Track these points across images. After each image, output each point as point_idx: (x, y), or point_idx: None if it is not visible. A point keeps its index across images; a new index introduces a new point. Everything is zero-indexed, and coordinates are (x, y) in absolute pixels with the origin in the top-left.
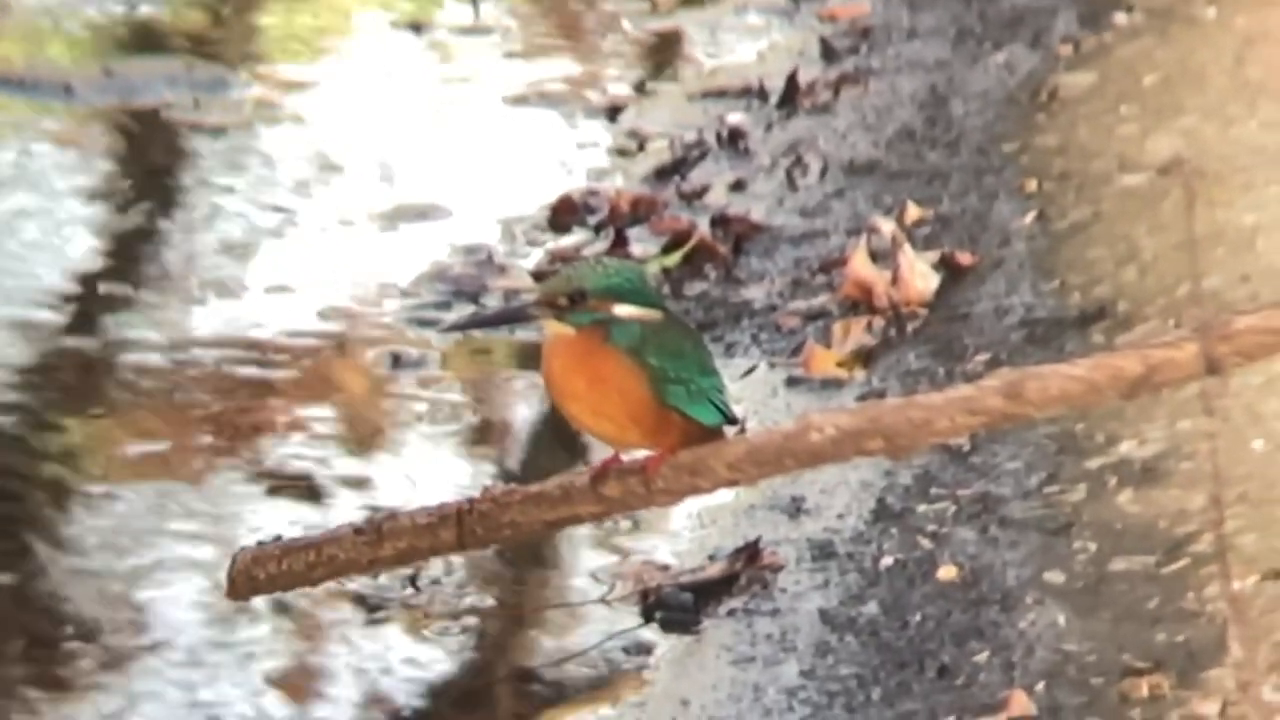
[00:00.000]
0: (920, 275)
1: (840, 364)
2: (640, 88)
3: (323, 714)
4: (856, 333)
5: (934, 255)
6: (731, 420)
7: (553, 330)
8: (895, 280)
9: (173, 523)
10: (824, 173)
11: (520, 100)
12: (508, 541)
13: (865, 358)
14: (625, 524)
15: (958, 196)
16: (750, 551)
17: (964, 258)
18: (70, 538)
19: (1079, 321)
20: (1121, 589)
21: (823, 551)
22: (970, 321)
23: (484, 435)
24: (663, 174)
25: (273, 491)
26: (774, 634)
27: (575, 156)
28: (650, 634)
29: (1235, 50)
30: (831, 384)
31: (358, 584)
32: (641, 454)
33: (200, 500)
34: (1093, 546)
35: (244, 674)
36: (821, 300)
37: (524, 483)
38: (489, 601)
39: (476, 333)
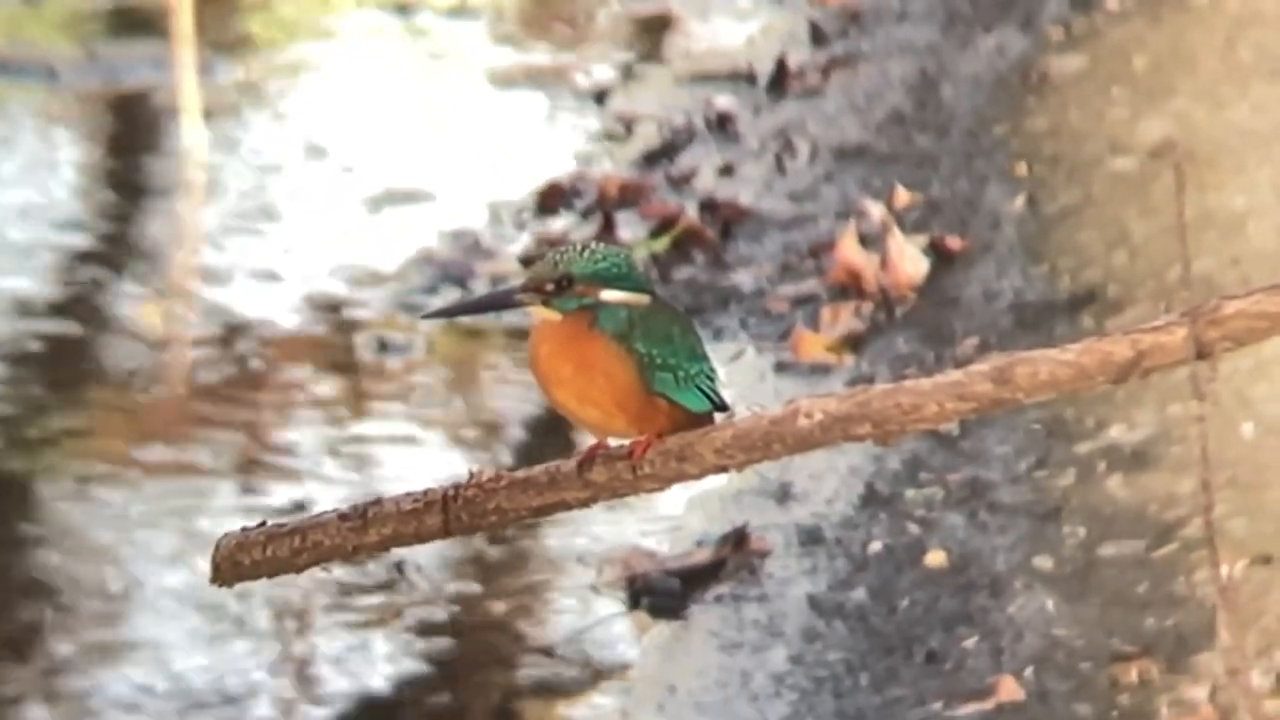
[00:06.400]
0: (909, 260)
1: (829, 349)
2: (628, 71)
3: (305, 702)
4: (845, 317)
5: (923, 240)
6: (721, 406)
7: (539, 315)
8: (884, 265)
9: (158, 509)
10: (813, 157)
11: (507, 83)
12: (494, 527)
13: (854, 342)
14: (612, 510)
15: (947, 181)
16: (738, 537)
17: (953, 242)
18: (55, 525)
19: (1069, 306)
20: (1110, 574)
21: (811, 537)
22: (959, 306)
23: (470, 420)
24: (651, 158)
25: (258, 477)
26: (761, 620)
27: (563, 140)
28: (637, 620)
29: (1226, 33)
30: (820, 369)
31: (341, 570)
32: (629, 439)
33: (185, 486)
34: (1082, 531)
35: (227, 661)
36: (810, 285)
37: (510, 468)
38: (474, 587)
39: (463, 318)
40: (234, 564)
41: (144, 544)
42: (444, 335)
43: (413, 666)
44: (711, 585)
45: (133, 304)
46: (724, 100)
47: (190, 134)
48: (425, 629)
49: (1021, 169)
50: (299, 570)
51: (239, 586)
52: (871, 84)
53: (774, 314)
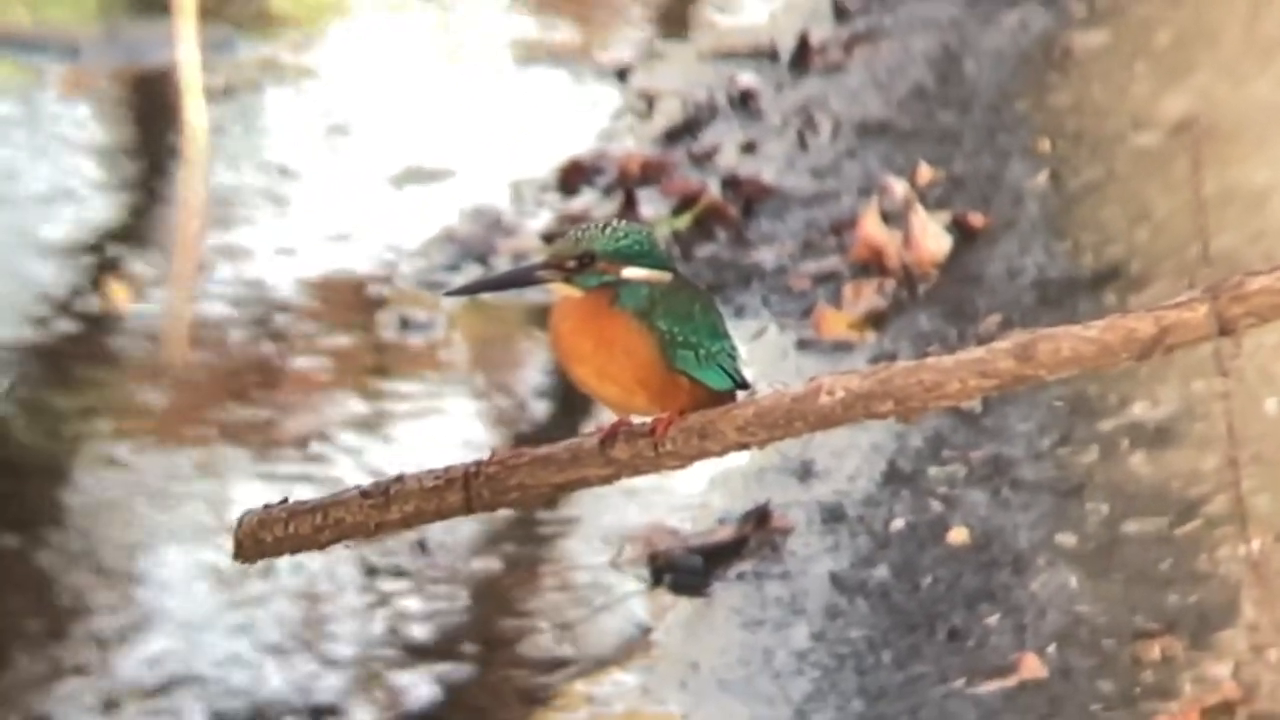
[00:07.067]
0: (932, 236)
1: (851, 326)
2: (650, 48)
3: (326, 677)
4: (868, 294)
5: (946, 216)
6: (742, 385)
7: (561, 293)
8: (907, 241)
9: (181, 487)
10: (835, 133)
11: (530, 60)
12: (515, 504)
13: (876, 320)
14: (634, 487)
15: (970, 157)
16: (760, 514)
17: (976, 219)
18: (79, 502)
19: (1091, 282)
20: (1134, 551)
21: (833, 514)
22: (982, 283)
23: (492, 398)
24: (673, 135)
25: (281, 454)
26: (784, 597)
27: (585, 118)
28: (660, 597)
29: (1249, 8)
30: (842, 346)
31: (365, 547)
32: (651, 417)
33: (209, 464)
34: (1105, 508)
35: (251, 637)
36: (832, 262)
37: (532, 445)
38: (496, 565)
39: (484, 295)
40: (256, 541)
41: (166, 522)
42: (466, 313)
43: (434, 644)
44: (734, 563)
45: (152, 281)
46: (746, 77)
47: (193, 111)
48: (447, 607)
49: (1044, 145)
50: (321, 547)
51: (261, 564)
52: (894, 60)
53: (796, 291)
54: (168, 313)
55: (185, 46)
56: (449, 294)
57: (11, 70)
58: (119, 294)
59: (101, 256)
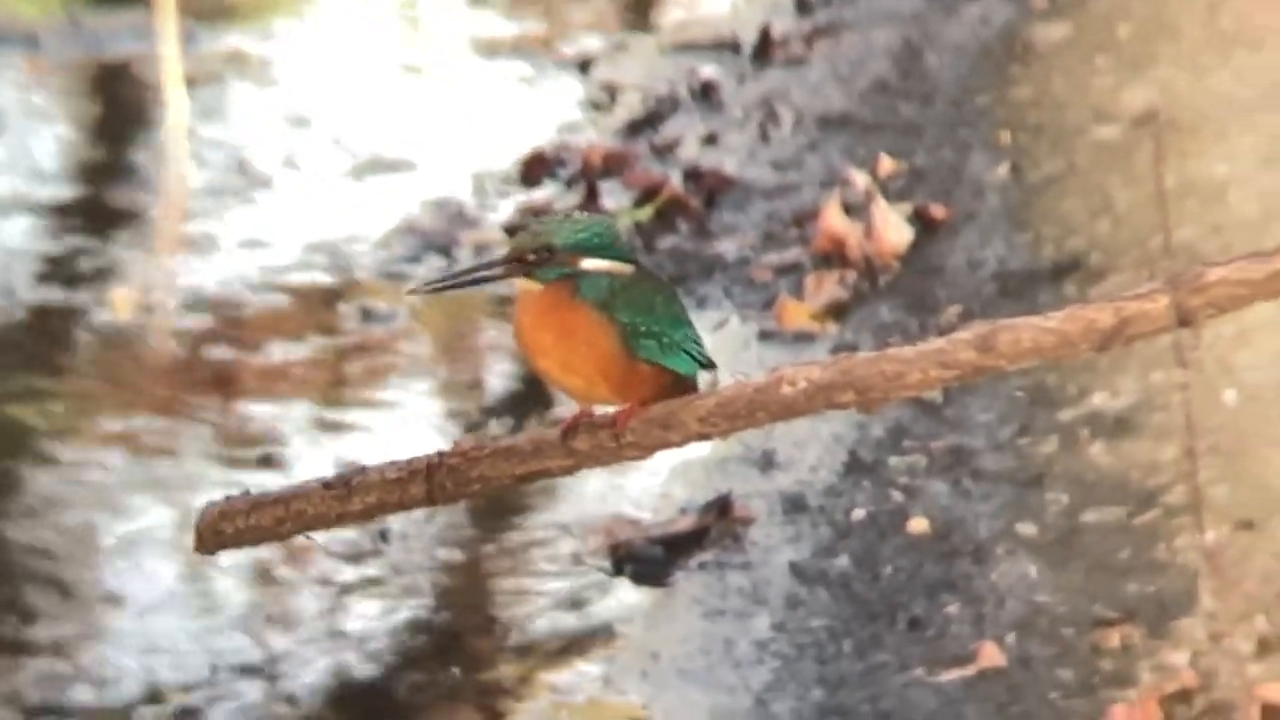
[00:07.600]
0: (893, 228)
1: (813, 317)
2: (612, 40)
3: (290, 669)
4: (829, 286)
5: (907, 208)
6: (708, 365)
7: (522, 286)
8: (868, 233)
9: (143, 477)
10: (797, 126)
11: (492, 52)
12: (477, 496)
13: (838, 311)
14: (596, 478)
15: (931, 149)
16: (721, 505)
17: (937, 210)
18: (40, 493)
19: (1052, 274)
20: (1093, 540)
21: (794, 504)
22: (943, 274)
23: (454, 389)
24: (635, 127)
25: (242, 446)
26: (745, 587)
27: (547, 109)
28: (621, 587)
29: (1209, 1)
30: (804, 337)
31: (326, 538)
32: (614, 408)
33: (170, 455)
34: (1064, 498)
35: (211, 629)
36: (794, 253)
37: (495, 436)
38: (458, 556)
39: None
40: (217, 532)
41: (126, 514)
42: (428, 304)
43: (396, 635)
44: (695, 553)
45: (106, 289)
46: (708, 69)
47: (173, 105)
48: (409, 597)
49: (1005, 137)
50: (282, 539)
51: (221, 559)
52: (856, 53)
53: (758, 282)
54: (143, 307)
55: (165, 42)
56: (411, 292)
57: None
58: (119, 302)
59: (74, 253)
